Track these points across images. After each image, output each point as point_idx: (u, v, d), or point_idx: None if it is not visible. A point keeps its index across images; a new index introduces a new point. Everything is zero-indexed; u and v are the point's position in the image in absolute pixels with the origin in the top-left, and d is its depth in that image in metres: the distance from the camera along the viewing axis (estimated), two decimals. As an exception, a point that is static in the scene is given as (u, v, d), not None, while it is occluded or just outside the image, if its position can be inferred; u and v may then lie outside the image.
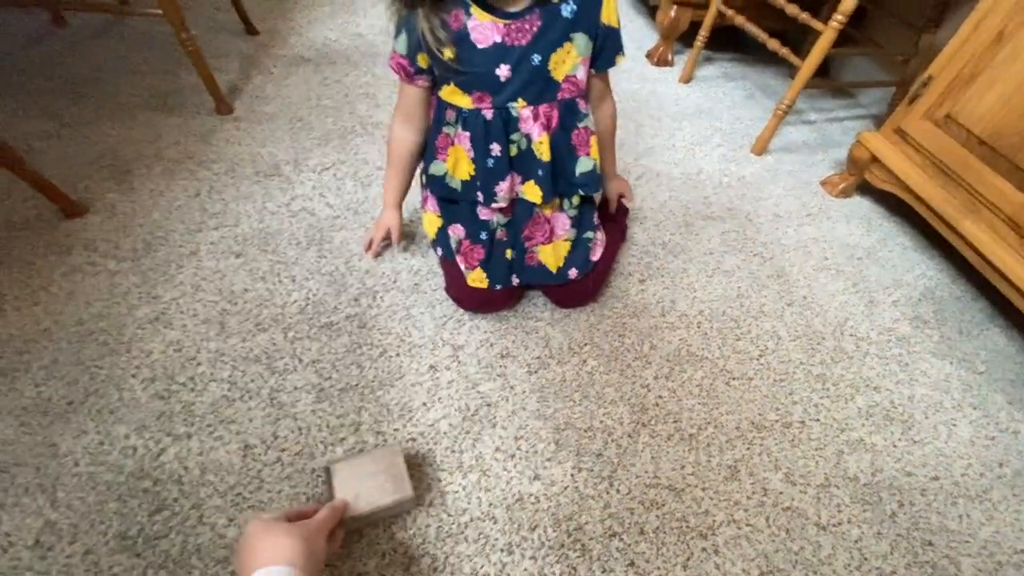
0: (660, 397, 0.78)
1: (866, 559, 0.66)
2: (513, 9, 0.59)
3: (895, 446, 0.78)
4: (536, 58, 0.61)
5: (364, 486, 0.57)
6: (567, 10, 0.60)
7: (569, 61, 0.64)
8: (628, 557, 0.62)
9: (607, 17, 0.63)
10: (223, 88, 1.13)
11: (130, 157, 0.96)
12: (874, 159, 1.13)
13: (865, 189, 1.24)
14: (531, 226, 0.79)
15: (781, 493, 0.71)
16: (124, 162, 0.95)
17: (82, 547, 0.55)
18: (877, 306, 0.99)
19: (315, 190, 0.98)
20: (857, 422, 0.80)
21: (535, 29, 0.60)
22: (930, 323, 0.98)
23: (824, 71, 1.68)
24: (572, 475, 0.68)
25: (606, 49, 0.66)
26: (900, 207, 1.16)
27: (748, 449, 0.74)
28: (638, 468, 0.70)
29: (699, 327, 0.89)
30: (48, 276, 0.77)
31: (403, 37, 0.61)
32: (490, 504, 0.64)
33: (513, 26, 0.59)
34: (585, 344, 0.83)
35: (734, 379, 0.83)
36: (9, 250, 0.79)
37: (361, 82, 1.26)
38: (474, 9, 0.58)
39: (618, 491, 0.68)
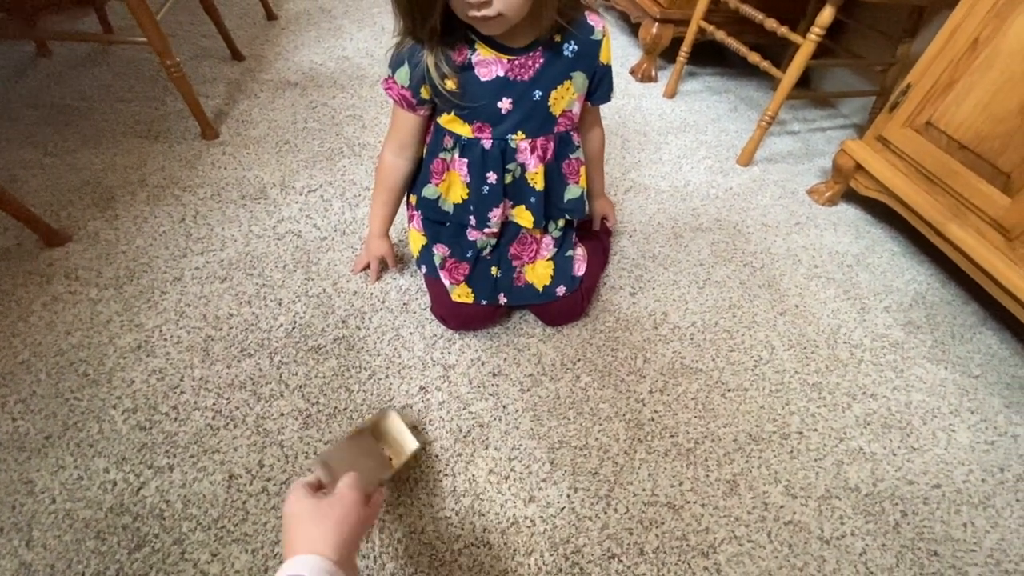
0: (656, 412, 0.77)
1: (872, 572, 0.65)
2: (517, 46, 0.60)
3: (895, 454, 0.77)
4: (537, 93, 0.63)
5: (367, 463, 0.56)
6: (568, 50, 0.62)
7: (567, 97, 0.66)
8: (628, 579, 0.60)
9: (605, 57, 0.66)
10: (209, 113, 1.12)
11: (114, 184, 0.96)
12: (858, 167, 1.14)
13: (851, 196, 1.25)
14: (518, 245, 0.80)
15: (782, 507, 0.69)
16: (108, 189, 0.94)
17: (58, 589, 0.52)
18: (869, 312, 0.99)
19: (302, 212, 0.97)
20: (855, 431, 0.79)
21: (538, 66, 0.62)
22: (923, 328, 0.97)
23: (805, 82, 1.71)
24: (568, 496, 0.67)
25: (602, 86, 0.70)
26: (887, 213, 1.16)
27: (747, 462, 0.73)
28: (635, 486, 0.69)
29: (692, 339, 0.88)
30: (27, 306, 0.75)
31: (404, 69, 0.62)
32: (484, 529, 0.62)
33: (517, 62, 0.61)
34: (578, 360, 0.82)
35: (729, 391, 0.82)
36: (-12, 281, 0.77)
37: (348, 104, 1.27)
38: (479, 45, 0.60)
39: (616, 511, 0.66)
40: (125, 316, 0.76)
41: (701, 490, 0.69)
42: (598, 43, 0.65)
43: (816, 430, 0.79)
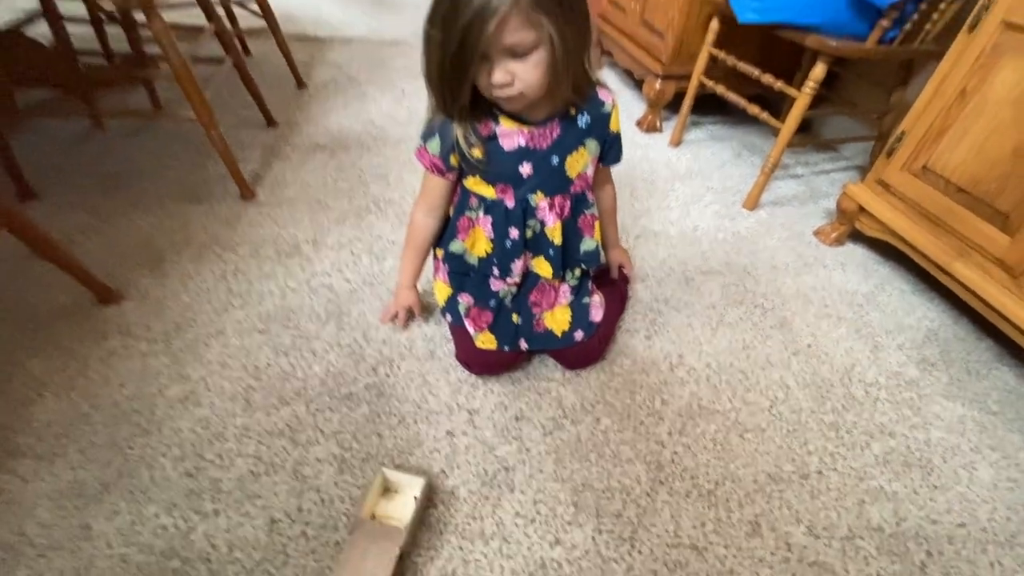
0: (675, 453, 0.79)
1: (900, 615, 0.65)
2: (537, 118, 0.68)
3: (916, 493, 0.78)
4: (555, 159, 0.70)
5: (376, 549, 0.60)
6: (582, 121, 0.70)
7: (582, 162, 0.73)
8: (655, 622, 0.61)
9: (614, 126, 0.74)
10: (247, 176, 1.22)
11: (162, 245, 1.04)
12: (862, 209, 1.18)
13: (858, 236, 1.29)
14: (537, 293, 0.85)
15: (805, 547, 0.70)
16: (157, 250, 1.03)
17: (113, 632, 0.55)
18: (882, 350, 1.01)
19: (333, 266, 1.04)
20: (875, 470, 0.80)
21: (555, 135, 0.69)
22: (937, 365, 0.99)
23: (807, 128, 1.78)
24: (593, 538, 0.68)
25: (613, 150, 0.78)
26: (894, 252, 1.19)
27: (767, 503, 0.74)
28: (659, 527, 0.70)
29: (708, 380, 0.91)
30: (85, 361, 0.81)
31: (436, 140, 0.69)
32: (512, 572, 0.64)
33: (536, 132, 0.68)
34: (597, 403, 0.85)
35: (747, 431, 0.84)
36: (49, 338, 0.84)
37: (374, 164, 1.36)
38: (503, 119, 0.67)
39: (640, 552, 0.67)
40: (173, 368, 0.82)
41: (724, 531, 0.71)
42: (608, 115, 0.72)
43: (836, 469, 0.80)
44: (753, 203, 1.36)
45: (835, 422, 0.87)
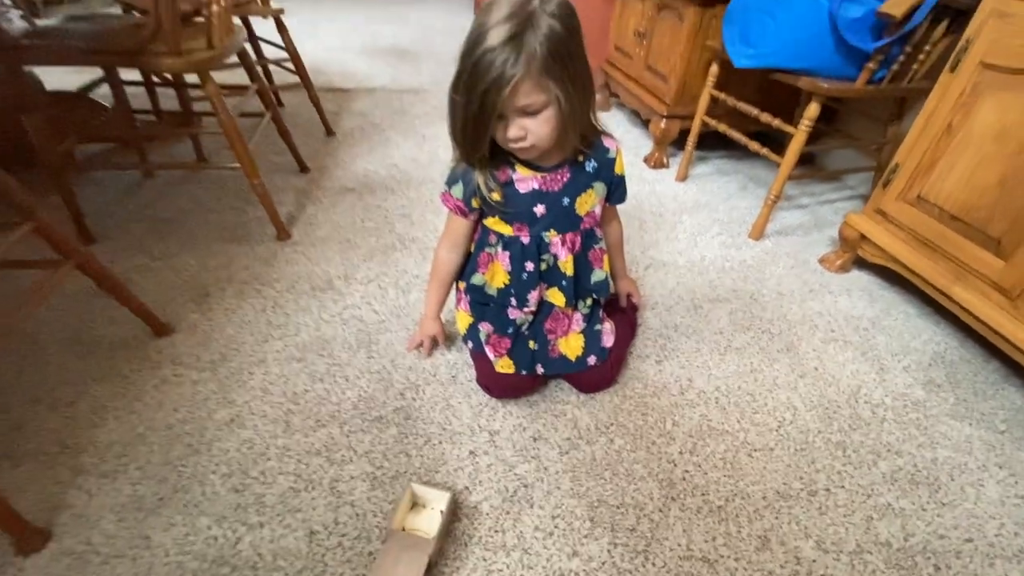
0: (686, 471, 0.83)
1: (909, 627, 0.67)
2: (548, 165, 0.76)
3: (924, 509, 0.80)
4: (565, 200, 0.78)
5: (407, 557, 0.65)
6: (590, 166, 0.78)
7: (590, 202, 0.81)
8: (669, 630, 0.65)
9: (619, 169, 0.83)
10: (282, 218, 1.32)
11: (208, 282, 1.13)
12: (863, 237, 1.23)
13: (863, 263, 1.33)
14: (551, 321, 0.91)
15: (814, 561, 0.73)
16: (203, 287, 1.12)
17: (171, 631, 0.61)
18: (888, 372, 1.04)
19: (363, 299, 1.12)
20: (883, 487, 0.83)
21: (565, 179, 0.77)
22: (943, 386, 1.02)
23: (810, 160, 1.85)
24: (608, 551, 0.72)
25: (618, 191, 0.86)
26: (899, 278, 1.24)
27: (776, 518, 0.78)
28: (671, 541, 0.74)
29: (717, 402, 0.95)
30: (142, 388, 0.90)
31: (459, 186, 0.78)
32: (533, 581, 0.68)
33: (548, 177, 0.77)
34: (611, 424, 0.90)
35: (756, 451, 0.87)
36: (111, 367, 0.93)
37: (398, 204, 1.46)
38: (518, 166, 0.76)
39: (654, 564, 0.71)
40: (220, 394, 0.89)
41: (734, 545, 0.74)
42: (613, 160, 0.81)
43: (843, 487, 0.83)
44: (759, 233, 1.42)
45: (842, 441, 0.90)
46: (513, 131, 0.66)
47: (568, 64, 0.64)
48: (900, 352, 1.09)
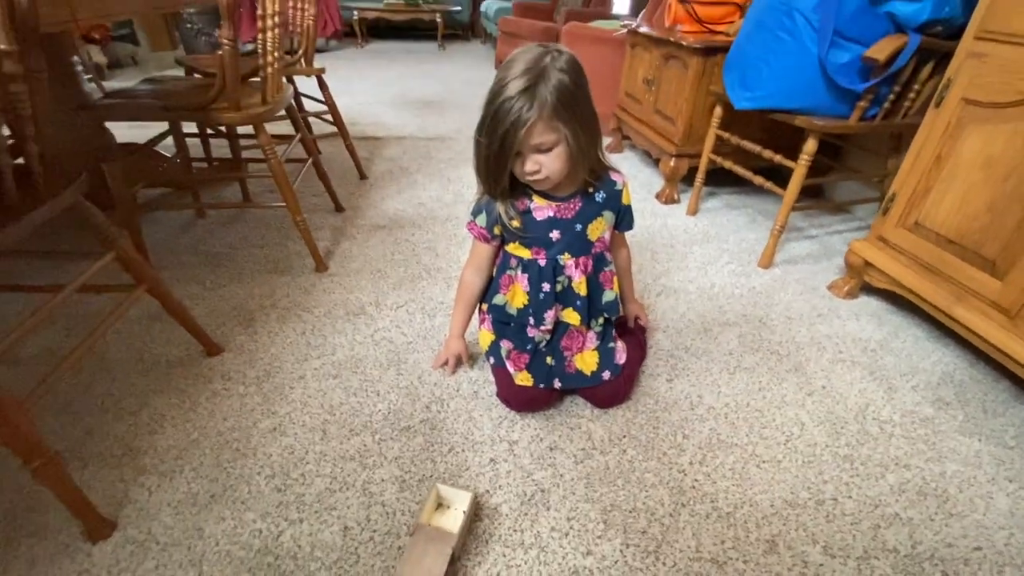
0: (696, 480, 0.88)
1: (917, 628, 0.69)
2: (562, 195, 0.86)
3: (932, 519, 0.82)
4: (578, 226, 0.88)
5: (432, 550, 0.70)
6: (599, 196, 0.88)
7: (600, 228, 0.90)
8: (678, 624, 0.68)
9: (626, 200, 0.92)
10: (320, 252, 1.45)
11: (254, 308, 1.25)
12: (867, 263, 1.29)
13: (871, 289, 1.38)
14: (567, 339, 0.98)
15: (821, 565, 0.76)
16: (249, 312, 1.23)
17: (221, 611, 0.68)
18: (896, 392, 1.07)
19: (392, 323, 1.21)
20: (890, 498, 0.86)
21: (577, 208, 0.87)
22: (952, 404, 1.04)
23: (819, 193, 1.92)
24: (621, 551, 0.77)
25: (625, 219, 0.95)
26: (907, 303, 1.27)
27: (784, 525, 0.81)
28: (681, 543, 0.78)
29: (726, 417, 1.00)
30: (195, 399, 0.99)
31: (483, 215, 0.89)
32: (550, 575, 0.73)
33: (562, 206, 0.86)
34: (623, 436, 0.95)
35: (764, 462, 0.91)
36: (169, 381, 1.03)
37: (424, 239, 1.58)
38: (535, 196, 0.86)
39: (664, 564, 0.75)
40: (264, 406, 0.98)
41: (742, 548, 0.77)
42: (620, 191, 0.90)
43: (851, 497, 0.86)
44: (767, 261, 1.49)
45: (849, 455, 0.93)
46: (529, 165, 0.77)
47: (575, 109, 0.74)
48: (909, 372, 1.12)
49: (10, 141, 0.78)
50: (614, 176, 0.90)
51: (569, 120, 0.74)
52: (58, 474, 0.70)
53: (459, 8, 5.81)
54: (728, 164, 1.60)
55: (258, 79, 1.32)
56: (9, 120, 0.70)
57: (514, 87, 0.71)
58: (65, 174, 0.82)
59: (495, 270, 0.97)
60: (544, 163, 0.77)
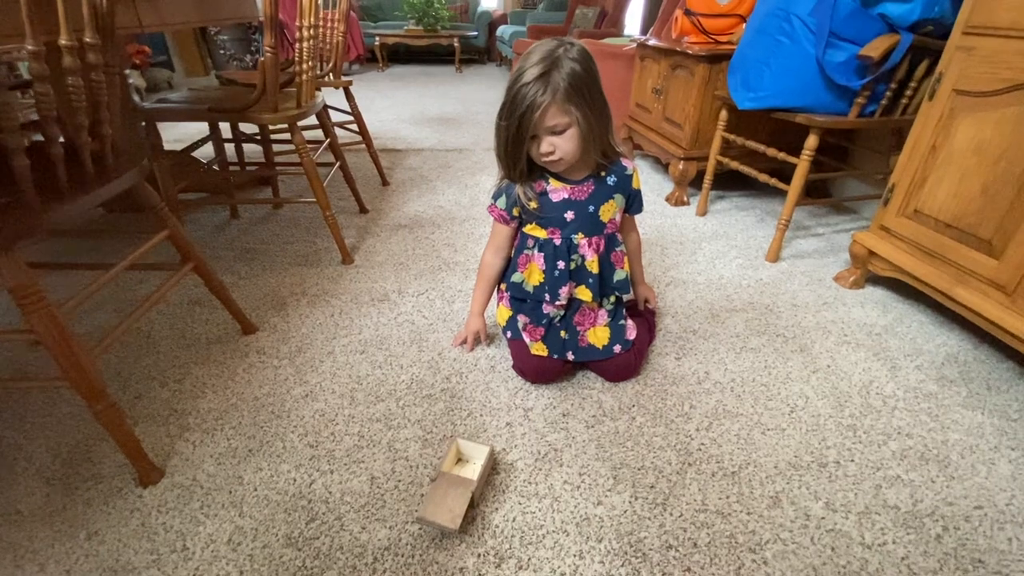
0: (702, 444, 0.92)
1: (915, 574, 0.72)
2: (576, 178, 0.94)
3: (933, 481, 0.85)
4: (591, 207, 0.95)
5: (454, 492, 0.76)
6: (610, 180, 0.95)
7: (611, 210, 0.97)
8: (684, 564, 0.72)
9: (636, 184, 0.99)
10: (347, 247, 1.54)
11: (285, 295, 1.34)
12: (871, 253, 1.33)
13: (877, 280, 1.41)
14: (580, 315, 1.05)
15: (823, 518, 0.79)
16: (281, 298, 1.32)
17: (261, 544, 0.74)
18: (900, 370, 1.10)
19: (414, 308, 1.29)
20: (892, 462, 0.89)
21: (591, 190, 0.94)
22: (956, 382, 1.07)
23: (825, 192, 1.97)
24: (630, 502, 0.81)
25: (635, 203, 1.02)
26: (911, 291, 1.31)
27: (787, 483, 0.85)
28: (688, 497, 0.82)
29: (732, 390, 1.04)
30: (233, 370, 1.07)
31: (503, 198, 0.96)
32: (563, 521, 0.78)
33: (576, 188, 0.94)
34: (633, 405, 1.00)
35: (768, 429, 0.95)
36: (209, 355, 1.11)
37: (443, 237, 1.67)
38: (551, 179, 0.94)
39: (671, 515, 0.79)
40: (297, 377, 1.06)
41: (746, 502, 0.81)
42: (630, 176, 0.97)
43: (853, 461, 0.89)
44: (775, 256, 1.53)
45: (853, 424, 0.96)
46: (544, 147, 0.84)
47: (586, 94, 0.82)
48: (913, 353, 1.15)
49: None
50: (624, 162, 0.97)
51: (580, 104, 0.82)
52: (117, 418, 0.78)
53: (476, 33, 6.05)
54: (735, 165, 1.66)
55: (292, 89, 1.44)
56: (89, 105, 0.80)
57: (530, 74, 0.80)
58: (129, 160, 0.92)
59: (513, 251, 1.04)
60: (558, 144, 0.84)
